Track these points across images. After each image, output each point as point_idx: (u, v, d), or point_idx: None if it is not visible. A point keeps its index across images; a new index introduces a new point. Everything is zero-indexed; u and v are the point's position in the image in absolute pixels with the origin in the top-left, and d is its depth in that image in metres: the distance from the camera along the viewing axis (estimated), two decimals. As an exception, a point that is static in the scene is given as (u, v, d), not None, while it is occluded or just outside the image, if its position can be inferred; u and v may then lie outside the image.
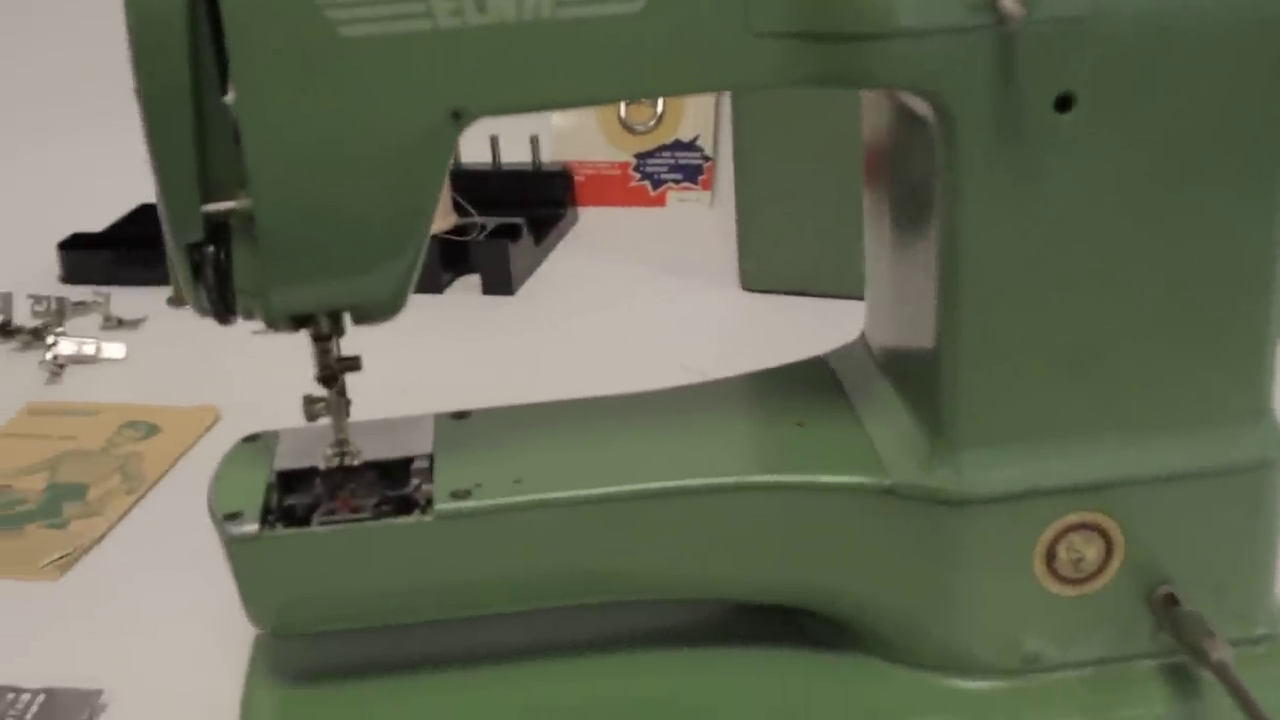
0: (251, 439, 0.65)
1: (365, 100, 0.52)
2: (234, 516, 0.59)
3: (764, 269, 1.10)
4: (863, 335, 0.69)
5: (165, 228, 0.54)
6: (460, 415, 0.66)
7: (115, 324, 1.09)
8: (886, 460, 0.60)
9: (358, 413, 0.62)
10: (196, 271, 0.56)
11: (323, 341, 0.58)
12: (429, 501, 0.59)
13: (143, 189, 1.22)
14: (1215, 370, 0.58)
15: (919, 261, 0.59)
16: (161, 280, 1.13)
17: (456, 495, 0.59)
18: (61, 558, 0.79)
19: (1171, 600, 0.60)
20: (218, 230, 0.55)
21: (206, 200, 0.54)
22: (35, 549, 0.80)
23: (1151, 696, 0.61)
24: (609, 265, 1.18)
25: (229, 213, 0.54)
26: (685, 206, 1.30)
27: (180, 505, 0.84)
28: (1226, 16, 0.52)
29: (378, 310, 0.57)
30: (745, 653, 0.64)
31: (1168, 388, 0.58)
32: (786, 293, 1.09)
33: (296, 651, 0.66)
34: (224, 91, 0.52)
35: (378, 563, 0.60)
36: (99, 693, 0.67)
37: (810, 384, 0.67)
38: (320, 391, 0.61)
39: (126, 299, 1.12)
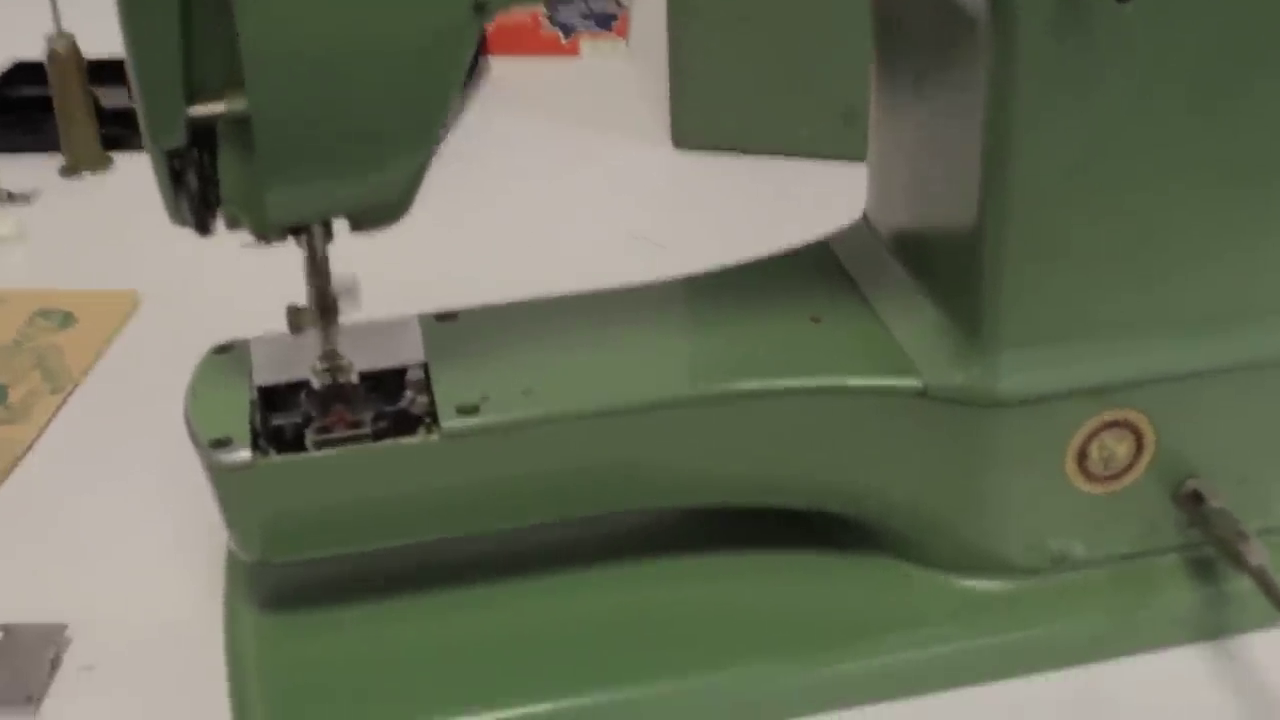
0: (222, 349, 0.59)
1: (381, -9, 0.46)
2: (222, 443, 0.54)
3: (698, 125, 1.05)
4: (865, 217, 0.65)
5: (143, 132, 0.48)
6: (447, 316, 0.61)
7: (4, 198, 1.00)
8: (916, 360, 0.57)
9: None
10: (177, 179, 0.50)
11: (319, 270, 0.53)
12: (432, 417, 0.55)
13: (17, 43, 1.14)
14: (1262, 263, 0.56)
15: (953, 151, 0.55)
16: (50, 146, 1.04)
17: (464, 411, 0.55)
18: (-9, 471, 0.72)
19: (1198, 497, 0.59)
20: (200, 134, 0.49)
21: (191, 102, 0.48)
22: (-44, 462, 0.73)
23: (1176, 590, 0.60)
24: (529, 124, 1.12)
25: (217, 116, 0.48)
26: (600, 57, 1.24)
27: (112, 404, 0.78)
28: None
29: (383, 214, 0.52)
30: (764, 557, 0.62)
31: (1212, 282, 0.56)
32: (720, 150, 1.05)
33: (276, 571, 0.61)
34: (215, -19, 0.46)
35: (380, 485, 0.56)
36: (63, 627, 0.61)
37: (817, 273, 0.63)
38: (302, 300, 0.56)
39: (11, 169, 1.03)
